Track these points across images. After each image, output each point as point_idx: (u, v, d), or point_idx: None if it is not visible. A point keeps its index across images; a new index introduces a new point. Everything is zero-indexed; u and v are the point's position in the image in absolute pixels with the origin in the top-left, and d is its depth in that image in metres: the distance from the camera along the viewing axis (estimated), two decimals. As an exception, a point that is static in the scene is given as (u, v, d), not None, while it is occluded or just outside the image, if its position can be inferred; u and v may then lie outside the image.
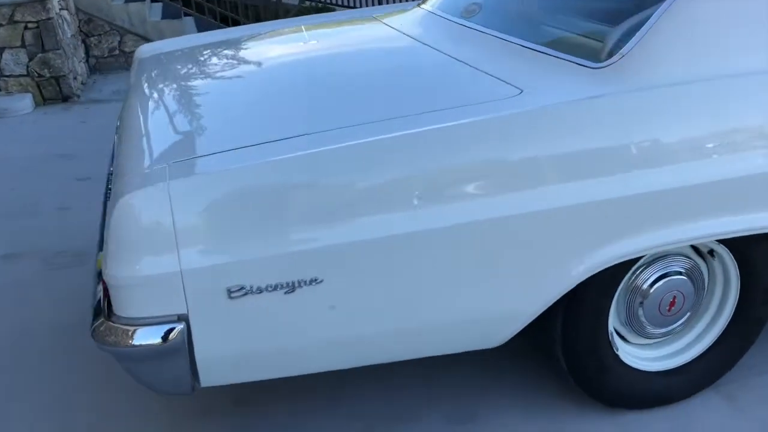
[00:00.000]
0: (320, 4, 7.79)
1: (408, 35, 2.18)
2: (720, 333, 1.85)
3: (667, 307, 1.78)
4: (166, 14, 6.64)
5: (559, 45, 1.77)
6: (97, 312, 1.47)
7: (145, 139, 1.64)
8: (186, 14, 6.74)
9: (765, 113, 1.57)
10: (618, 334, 1.81)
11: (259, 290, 1.40)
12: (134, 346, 1.38)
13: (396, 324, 1.53)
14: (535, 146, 1.49)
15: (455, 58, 1.86)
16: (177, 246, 1.35)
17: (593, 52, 1.65)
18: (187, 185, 1.35)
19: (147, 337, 1.37)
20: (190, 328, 1.40)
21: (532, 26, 2.01)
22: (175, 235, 1.34)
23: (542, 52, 1.75)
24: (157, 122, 1.74)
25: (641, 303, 1.75)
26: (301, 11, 7.24)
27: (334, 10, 8.13)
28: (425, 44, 2.05)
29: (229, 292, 1.39)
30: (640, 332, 1.81)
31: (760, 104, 1.56)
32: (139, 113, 1.85)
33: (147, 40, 6.48)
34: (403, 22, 2.37)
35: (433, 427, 1.87)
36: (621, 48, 1.59)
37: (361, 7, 7.66)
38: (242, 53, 2.33)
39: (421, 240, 1.45)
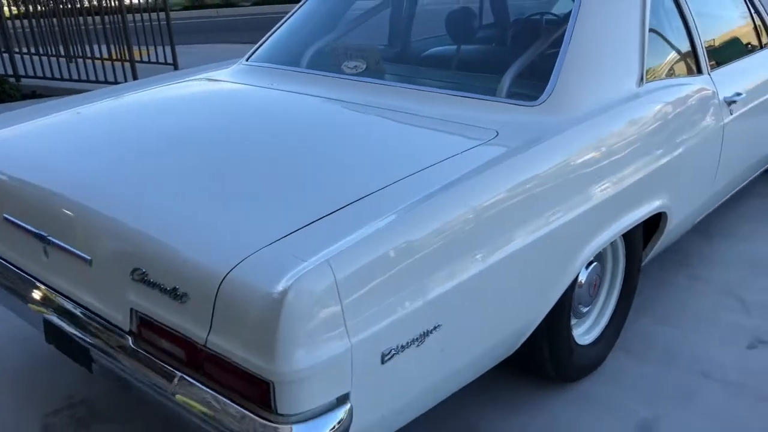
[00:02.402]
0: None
1: (344, 100, 2.22)
2: (616, 302, 2.36)
3: (593, 289, 2.23)
4: None
5: (494, 90, 2.08)
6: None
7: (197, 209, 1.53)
8: None
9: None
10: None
11: (402, 348, 1.41)
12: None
13: (484, 345, 1.67)
14: (550, 172, 1.77)
15: (407, 113, 2.02)
16: (345, 321, 1.28)
17: (525, 93, 2.01)
18: (346, 256, 1.30)
19: (322, 428, 1.27)
20: (351, 406, 1.33)
21: (444, 74, 2.28)
22: (342, 310, 1.28)
23: (478, 99, 2.05)
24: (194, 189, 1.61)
25: (579, 290, 2.16)
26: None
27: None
28: (355, 103, 2.14)
29: (383, 356, 1.36)
30: (575, 314, 2.22)
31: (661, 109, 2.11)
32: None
33: None
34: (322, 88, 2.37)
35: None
36: (546, 85, 1.99)
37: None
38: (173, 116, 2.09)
39: (502, 266, 1.62)
